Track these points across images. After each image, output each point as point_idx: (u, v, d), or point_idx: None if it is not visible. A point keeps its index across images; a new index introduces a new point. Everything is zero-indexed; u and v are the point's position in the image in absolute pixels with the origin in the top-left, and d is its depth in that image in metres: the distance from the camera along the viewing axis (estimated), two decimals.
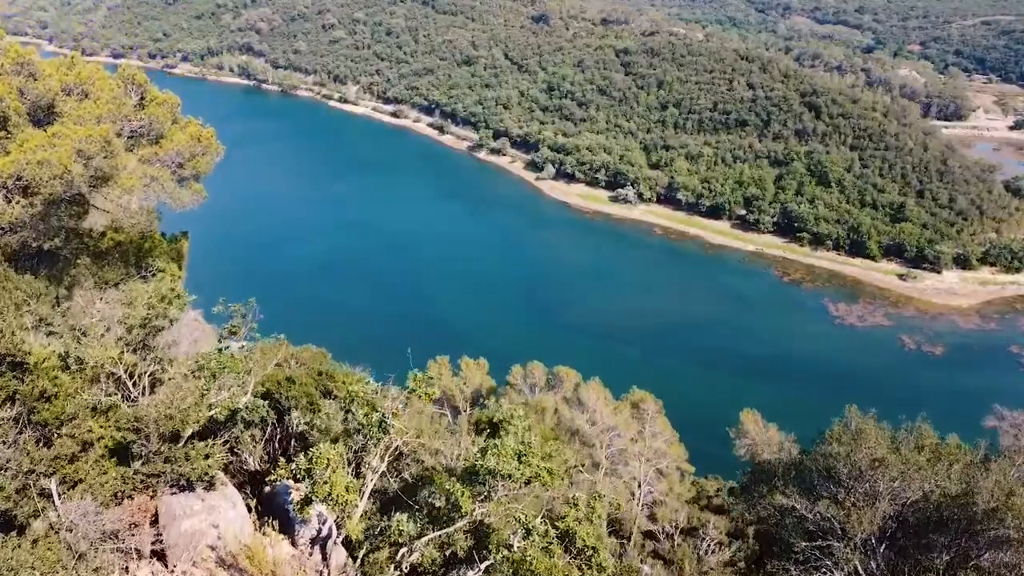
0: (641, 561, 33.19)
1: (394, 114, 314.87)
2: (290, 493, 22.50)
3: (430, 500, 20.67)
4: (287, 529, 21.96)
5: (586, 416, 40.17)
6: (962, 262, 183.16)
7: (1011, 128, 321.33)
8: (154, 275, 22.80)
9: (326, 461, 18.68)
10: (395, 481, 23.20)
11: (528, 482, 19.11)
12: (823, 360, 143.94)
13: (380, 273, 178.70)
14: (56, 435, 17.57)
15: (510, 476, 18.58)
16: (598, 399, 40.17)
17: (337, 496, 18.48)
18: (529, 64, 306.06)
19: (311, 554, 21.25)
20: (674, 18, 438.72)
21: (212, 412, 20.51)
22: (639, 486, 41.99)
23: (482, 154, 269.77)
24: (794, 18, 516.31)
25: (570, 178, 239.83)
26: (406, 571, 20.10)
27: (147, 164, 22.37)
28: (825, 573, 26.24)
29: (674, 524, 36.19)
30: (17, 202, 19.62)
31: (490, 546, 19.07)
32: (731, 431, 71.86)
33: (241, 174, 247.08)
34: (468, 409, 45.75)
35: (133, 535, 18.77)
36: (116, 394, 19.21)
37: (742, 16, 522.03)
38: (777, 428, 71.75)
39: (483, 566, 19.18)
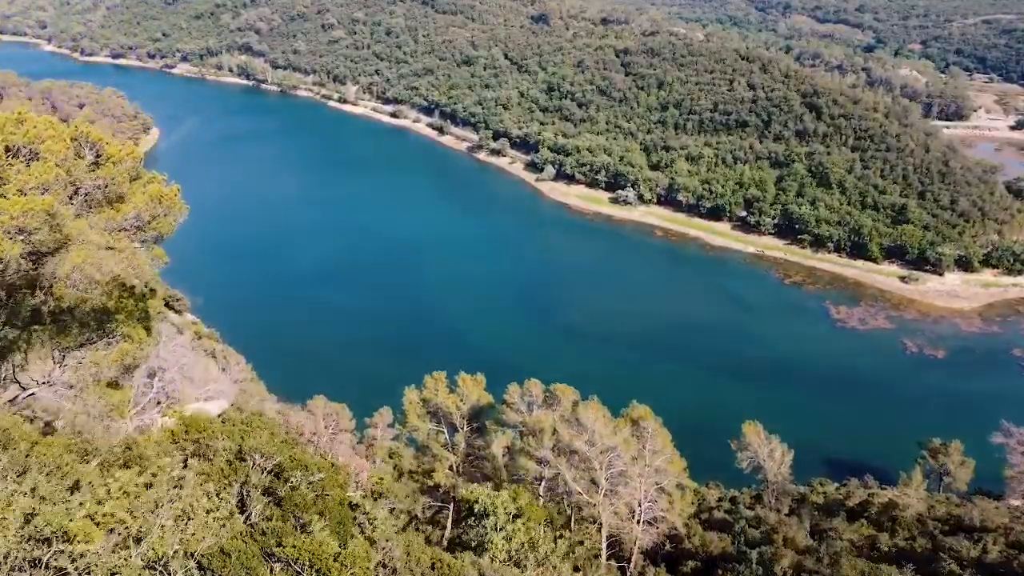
0: None
1: (393, 114, 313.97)
2: None
3: None
4: None
5: (585, 437, 39.34)
6: (964, 264, 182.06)
7: (1012, 128, 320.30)
8: (118, 340, 21.46)
9: None
10: None
11: None
12: (825, 364, 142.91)
13: (378, 274, 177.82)
14: None
15: None
16: (596, 419, 39.32)
17: None
18: (529, 64, 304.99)
19: None
20: (674, 17, 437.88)
21: None
22: (639, 505, 41.20)
23: (482, 155, 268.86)
24: (794, 17, 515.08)
25: (570, 179, 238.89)
26: None
27: (102, 230, 20.92)
28: None
29: None
30: None
31: None
32: (733, 443, 71.31)
33: (239, 174, 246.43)
34: (465, 426, 44.96)
35: None
36: None
37: (742, 15, 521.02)
38: (779, 439, 71.25)
39: None
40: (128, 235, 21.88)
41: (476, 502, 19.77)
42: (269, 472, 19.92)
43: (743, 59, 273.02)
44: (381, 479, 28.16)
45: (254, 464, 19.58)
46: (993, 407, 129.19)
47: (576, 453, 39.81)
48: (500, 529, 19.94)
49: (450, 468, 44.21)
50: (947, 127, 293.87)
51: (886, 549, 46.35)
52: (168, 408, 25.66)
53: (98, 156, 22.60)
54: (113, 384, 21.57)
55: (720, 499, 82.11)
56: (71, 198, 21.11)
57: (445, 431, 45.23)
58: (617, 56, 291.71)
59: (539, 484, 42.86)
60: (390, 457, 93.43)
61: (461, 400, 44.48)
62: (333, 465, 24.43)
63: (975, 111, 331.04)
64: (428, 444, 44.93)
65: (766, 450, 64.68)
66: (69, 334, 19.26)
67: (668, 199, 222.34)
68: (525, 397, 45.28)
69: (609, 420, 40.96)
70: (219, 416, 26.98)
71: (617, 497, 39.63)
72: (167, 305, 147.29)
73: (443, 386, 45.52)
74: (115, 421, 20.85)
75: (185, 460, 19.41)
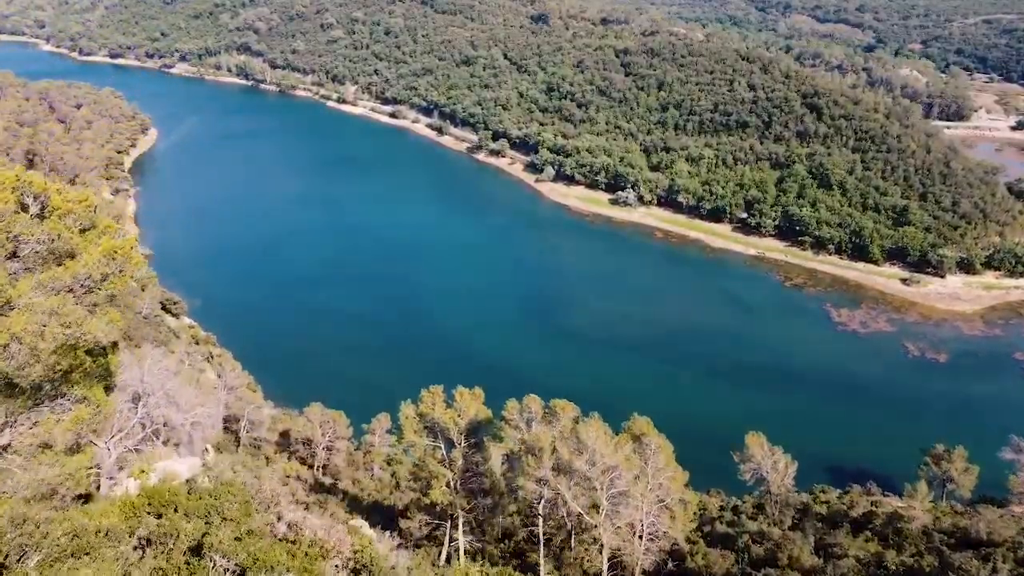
0: None
1: (392, 114, 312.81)
2: None
3: None
4: None
5: (585, 456, 38.29)
6: (966, 266, 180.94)
7: (1013, 128, 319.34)
8: (74, 401, 20.03)
9: None
10: None
11: None
12: (826, 367, 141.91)
13: (376, 276, 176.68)
14: None
15: None
16: (597, 437, 38.24)
17: None
18: (528, 64, 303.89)
19: None
20: (674, 17, 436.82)
21: None
22: (641, 524, 40.18)
23: (481, 155, 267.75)
24: (794, 16, 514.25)
25: (570, 180, 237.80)
26: None
27: (47, 292, 19.38)
28: None
29: None
30: None
31: None
32: (736, 454, 70.23)
33: (238, 174, 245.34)
34: (463, 442, 43.92)
35: None
36: None
37: (742, 15, 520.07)
38: (783, 451, 70.20)
39: None
40: (77, 296, 20.31)
41: None
42: (231, 573, 18.67)
43: (743, 59, 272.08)
44: (364, 547, 26.89)
45: (215, 565, 18.29)
46: (996, 412, 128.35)
47: (576, 472, 38.81)
48: None
49: (447, 485, 43.20)
50: (948, 127, 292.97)
51: (893, 567, 45.36)
52: (136, 468, 24.46)
53: (43, 207, 21.12)
54: (73, 447, 20.28)
55: (722, 508, 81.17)
56: (14, 255, 19.64)
57: (442, 446, 44.18)
58: (617, 56, 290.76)
59: (538, 503, 41.89)
60: (388, 464, 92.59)
61: (459, 415, 43.40)
62: (307, 554, 22.98)
63: (975, 111, 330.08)
64: (425, 460, 43.89)
65: (769, 462, 63.63)
66: (18, 397, 17.95)
67: (668, 200, 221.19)
68: (524, 413, 44.22)
69: (610, 437, 39.92)
70: (187, 483, 25.61)
71: (619, 517, 38.66)
72: (164, 308, 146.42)
73: (440, 400, 44.41)
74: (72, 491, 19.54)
75: (142, 545, 18.17)
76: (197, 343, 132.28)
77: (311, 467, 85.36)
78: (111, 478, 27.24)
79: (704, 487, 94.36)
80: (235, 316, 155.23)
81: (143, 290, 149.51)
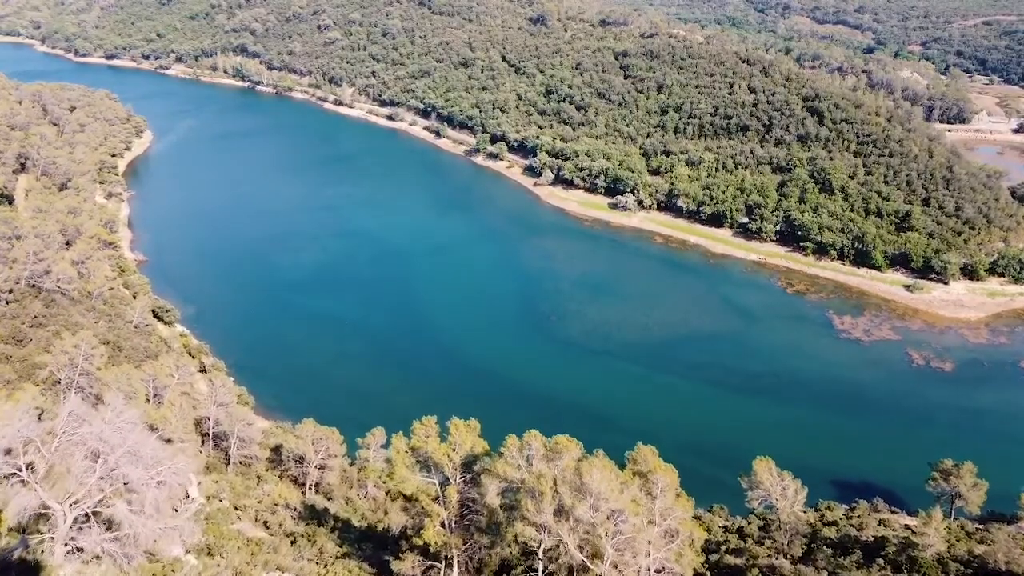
0: None
1: (390, 117, 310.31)
2: None
3: None
4: None
5: (589, 501, 35.82)
6: (969, 273, 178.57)
7: (1015, 131, 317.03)
8: None
9: None
10: None
11: None
12: (829, 377, 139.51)
13: (372, 282, 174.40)
14: None
15: None
16: (602, 479, 35.77)
17: None
18: (527, 66, 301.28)
19: None
20: (673, 18, 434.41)
21: None
22: (649, 568, 37.73)
23: (479, 158, 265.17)
24: (794, 18, 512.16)
25: (568, 184, 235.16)
26: None
27: None
28: None
29: None
30: None
31: None
32: (743, 480, 67.87)
33: (234, 178, 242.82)
34: (458, 477, 41.43)
35: None
36: None
37: (741, 16, 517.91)
38: (792, 475, 67.76)
39: None
40: None
41: None
42: None
43: (743, 62, 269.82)
44: None
45: None
46: (1003, 423, 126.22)
47: (578, 519, 36.33)
48: None
49: (442, 525, 40.72)
50: (949, 130, 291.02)
51: None
52: None
53: None
54: None
55: (726, 529, 78.78)
56: None
57: (436, 482, 41.69)
58: (616, 58, 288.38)
59: (538, 548, 39.42)
60: (382, 481, 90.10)
61: (453, 449, 40.95)
62: None
63: (976, 114, 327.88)
64: (417, 498, 41.41)
65: (778, 488, 61.19)
66: None
67: (668, 205, 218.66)
68: (524, 451, 41.76)
69: (615, 476, 37.42)
70: None
71: (624, 565, 36.25)
72: (155, 316, 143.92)
73: (434, 433, 41.93)
74: None
75: None
76: (190, 354, 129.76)
77: (303, 485, 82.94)
78: (67, 544, 24.81)
79: (707, 502, 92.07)
80: (229, 323, 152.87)
81: (135, 298, 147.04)
